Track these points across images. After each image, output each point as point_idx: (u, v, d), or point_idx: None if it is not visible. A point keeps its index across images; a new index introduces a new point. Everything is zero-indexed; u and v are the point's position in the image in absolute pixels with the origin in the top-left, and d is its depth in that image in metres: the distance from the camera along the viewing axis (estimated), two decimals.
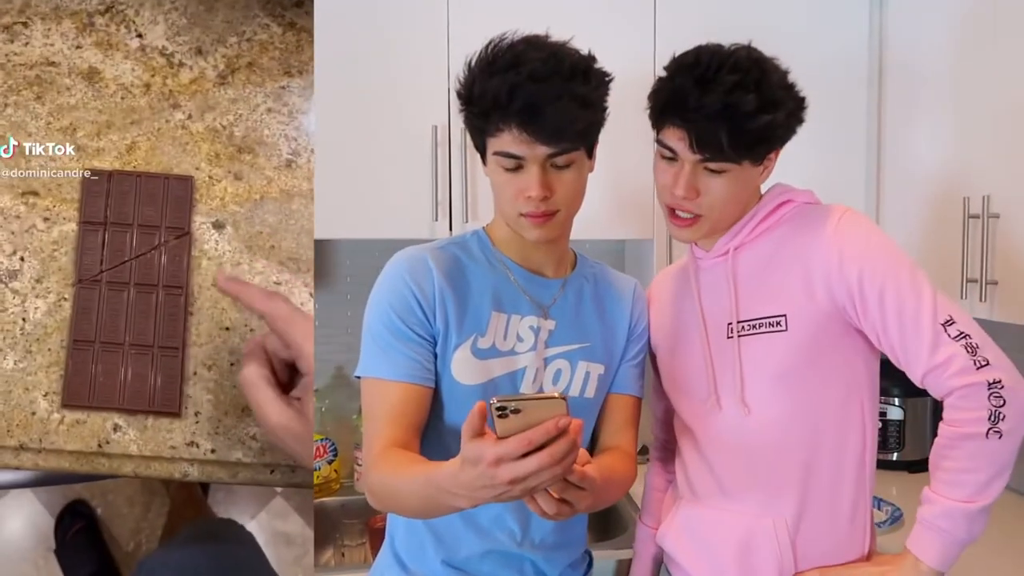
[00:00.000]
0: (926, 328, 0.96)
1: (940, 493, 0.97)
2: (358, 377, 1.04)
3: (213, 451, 1.02)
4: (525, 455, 0.72)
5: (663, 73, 1.05)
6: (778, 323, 1.03)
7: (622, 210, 1.74)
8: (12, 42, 1.11)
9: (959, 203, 1.47)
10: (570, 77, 0.97)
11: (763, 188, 1.12)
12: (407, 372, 1.02)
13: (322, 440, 1.86)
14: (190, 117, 1.11)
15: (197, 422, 1.03)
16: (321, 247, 1.99)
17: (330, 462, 1.86)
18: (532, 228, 1.03)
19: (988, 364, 0.95)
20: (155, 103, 1.11)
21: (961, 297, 1.47)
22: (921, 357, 0.97)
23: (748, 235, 1.09)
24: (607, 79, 1.03)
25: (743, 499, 1.08)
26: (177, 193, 1.08)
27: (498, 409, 0.72)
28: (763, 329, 1.04)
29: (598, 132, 1.05)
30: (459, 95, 1.03)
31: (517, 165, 1.00)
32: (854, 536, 1.07)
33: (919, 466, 1.88)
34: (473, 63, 1.01)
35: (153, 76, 1.12)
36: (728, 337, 1.07)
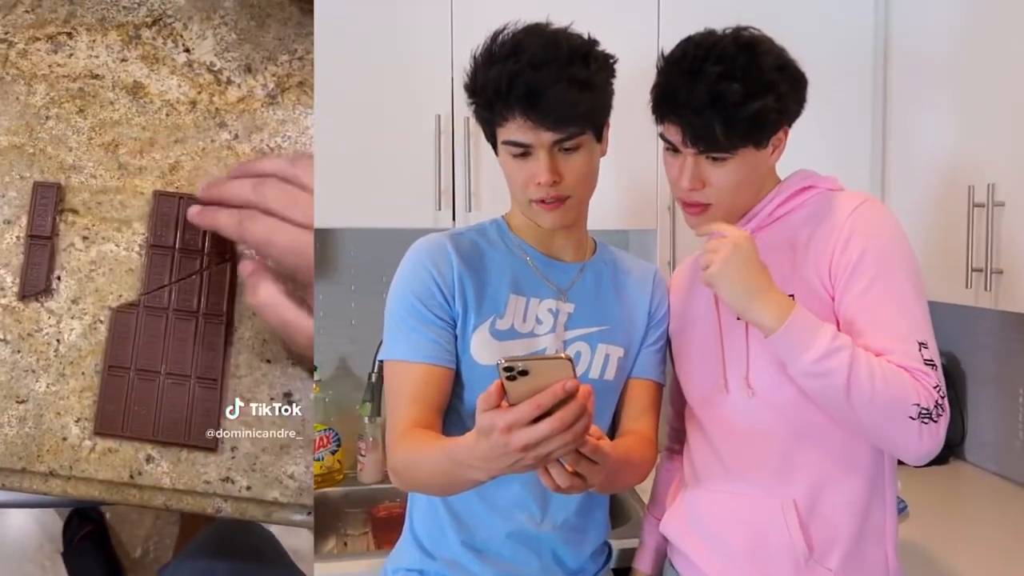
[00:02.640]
0: (902, 337, 0.97)
1: (834, 345, 0.95)
2: (382, 361, 1.07)
3: (248, 488, 0.99)
4: (536, 421, 0.74)
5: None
6: None
7: (625, 200, 1.74)
8: (56, 52, 1.07)
9: (964, 191, 1.47)
10: (569, 61, 0.99)
11: (778, 169, 1.12)
12: (428, 353, 1.05)
13: (325, 431, 1.85)
14: (236, 137, 1.08)
15: (233, 457, 0.99)
16: (325, 238, 1.98)
17: (333, 452, 1.87)
18: (545, 215, 1.05)
19: (944, 397, 0.97)
20: (201, 121, 1.08)
21: (966, 286, 1.47)
22: (895, 355, 0.96)
23: (765, 219, 1.10)
24: (611, 61, 1.05)
25: (748, 480, 1.07)
26: None
27: (506, 370, 0.74)
28: None
29: (605, 114, 1.07)
30: (465, 88, 1.06)
31: (525, 152, 1.02)
32: (873, 523, 1.06)
33: None
34: (477, 55, 1.03)
35: (200, 93, 1.08)
36: (737, 318, 1.06)
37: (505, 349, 1.07)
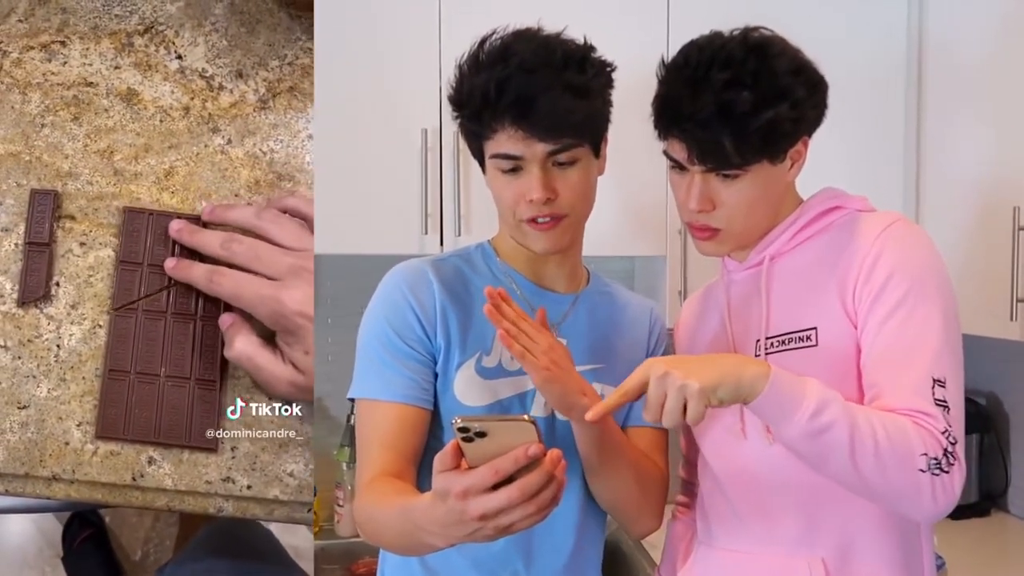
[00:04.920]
0: (917, 371, 0.85)
1: (825, 396, 0.82)
2: (351, 400, 0.97)
3: (249, 487, 1.01)
4: (498, 487, 0.65)
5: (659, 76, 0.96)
6: (808, 337, 0.93)
7: (631, 225, 1.63)
8: (50, 61, 1.09)
9: (1007, 213, 1.37)
10: (563, 67, 0.90)
11: (803, 189, 1.01)
12: (403, 393, 0.95)
13: None
14: (230, 142, 1.09)
15: (234, 457, 1.01)
16: None
17: None
18: (538, 237, 0.95)
19: (955, 444, 0.84)
20: (194, 127, 1.09)
21: (1010, 319, 1.35)
22: (899, 392, 0.86)
23: (787, 243, 0.98)
24: (608, 68, 0.96)
25: (769, 538, 0.96)
26: None
27: (460, 431, 0.65)
28: (792, 345, 0.94)
29: (602, 126, 0.97)
30: (450, 100, 0.97)
31: (516, 167, 0.92)
32: None
33: (964, 512, 1.73)
34: (462, 62, 0.94)
35: (192, 99, 1.10)
36: (755, 355, 0.96)
37: (492, 389, 0.98)
